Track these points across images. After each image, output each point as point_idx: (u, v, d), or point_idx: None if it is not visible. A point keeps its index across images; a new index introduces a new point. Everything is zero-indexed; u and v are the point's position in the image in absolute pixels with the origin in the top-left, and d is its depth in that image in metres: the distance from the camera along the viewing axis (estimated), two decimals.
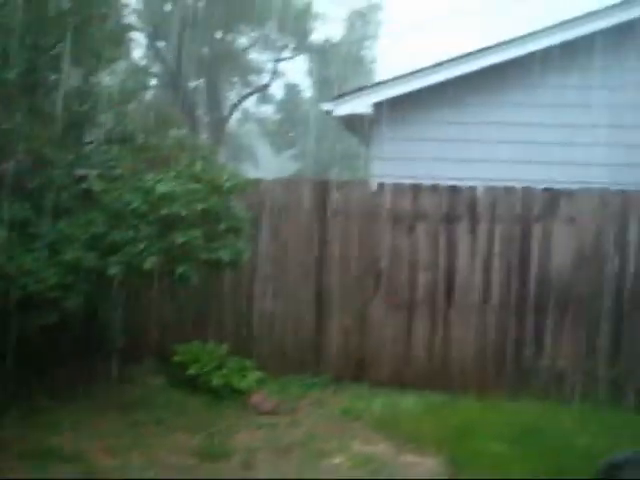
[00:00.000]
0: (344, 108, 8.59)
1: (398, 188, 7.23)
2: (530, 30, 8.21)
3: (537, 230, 7.03)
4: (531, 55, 8.14)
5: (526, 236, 7.04)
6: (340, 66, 27.22)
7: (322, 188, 7.39)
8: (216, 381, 6.59)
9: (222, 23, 25.40)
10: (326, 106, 8.98)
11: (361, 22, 29.49)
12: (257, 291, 7.41)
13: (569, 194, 7.01)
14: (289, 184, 7.55)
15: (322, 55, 28.28)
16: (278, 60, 28.82)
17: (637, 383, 6.85)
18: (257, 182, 7.36)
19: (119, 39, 7.39)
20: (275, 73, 29.21)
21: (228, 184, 6.22)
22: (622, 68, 8.06)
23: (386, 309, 7.22)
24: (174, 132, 8.65)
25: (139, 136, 6.93)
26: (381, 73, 27.72)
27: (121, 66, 8.39)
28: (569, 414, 6.25)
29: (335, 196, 7.32)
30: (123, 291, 6.39)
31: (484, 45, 8.34)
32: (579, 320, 6.98)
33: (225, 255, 6.01)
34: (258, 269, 7.32)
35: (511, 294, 7.08)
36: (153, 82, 26.76)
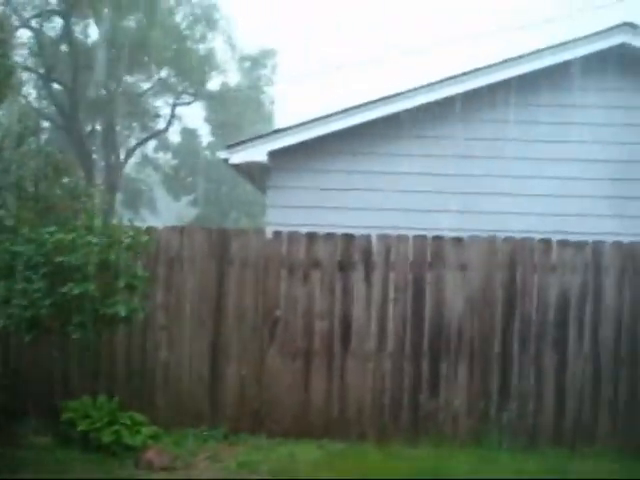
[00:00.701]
0: (240, 156, 8.60)
1: (293, 236, 7.26)
2: (418, 84, 8.53)
3: (430, 277, 7.19)
4: (417, 108, 8.45)
5: (419, 283, 7.19)
6: (238, 111, 27.39)
7: (218, 236, 7.33)
8: (107, 438, 6.33)
9: (119, 66, 25.14)
10: (222, 154, 8.98)
11: (258, 67, 29.85)
12: (151, 342, 7.22)
13: (459, 242, 7.22)
14: (185, 232, 7.43)
15: (220, 100, 28.39)
16: (176, 105, 28.72)
17: (527, 424, 7.05)
18: (153, 230, 7.25)
19: (4, 80, 7.17)
20: (173, 118, 29.10)
21: (129, 241, 6.14)
22: (502, 122, 8.49)
23: (283, 358, 7.17)
24: (67, 179, 8.41)
25: (29, 183, 6.71)
26: (281, 117, 28.05)
27: (9, 108, 8.11)
28: (464, 458, 6.35)
29: (231, 245, 7.28)
30: (7, 344, 6.10)
31: (378, 95, 8.60)
32: (472, 364, 7.15)
33: (122, 310, 5.94)
34: (152, 319, 7.13)
35: (406, 340, 7.18)
36: (46, 125, 26.10)
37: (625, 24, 8.54)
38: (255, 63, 29.51)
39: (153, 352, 7.21)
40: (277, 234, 7.31)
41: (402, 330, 7.17)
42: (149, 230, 7.12)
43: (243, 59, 29.50)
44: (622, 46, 8.53)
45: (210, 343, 7.22)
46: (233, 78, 29.86)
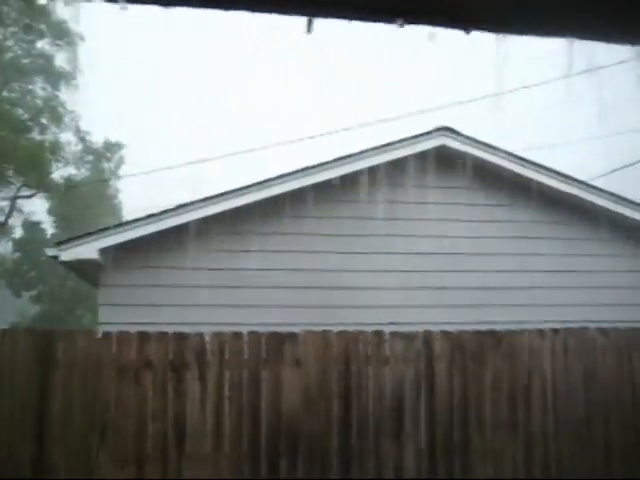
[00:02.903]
0: (70, 253, 8.32)
1: (123, 336, 6.98)
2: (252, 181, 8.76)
3: (265, 374, 7.11)
4: (248, 205, 8.63)
5: (255, 380, 7.08)
6: (84, 205, 26.74)
7: (42, 339, 6.93)
8: None
9: None
10: (51, 251, 8.66)
11: (105, 160, 29.44)
12: None
13: (293, 337, 7.22)
14: (5, 335, 6.99)
15: (65, 193, 27.61)
16: (16, 197, 27.63)
17: None
18: None
19: None
20: (13, 211, 27.91)
21: None
22: (330, 218, 8.77)
23: (114, 465, 6.77)
24: None
25: None
26: (128, 211, 27.60)
27: None
28: None
29: (57, 347, 6.90)
30: None
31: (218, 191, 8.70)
32: (311, 459, 7.05)
33: None
34: None
35: (244, 439, 7.00)
36: None
37: (445, 128, 9.16)
38: (102, 156, 29.13)
39: None
40: (106, 334, 7.02)
41: (239, 429, 7.00)
42: None
43: (90, 151, 29.05)
44: (442, 147, 9.13)
45: (32, 454, 6.71)
46: (79, 171, 29.26)
